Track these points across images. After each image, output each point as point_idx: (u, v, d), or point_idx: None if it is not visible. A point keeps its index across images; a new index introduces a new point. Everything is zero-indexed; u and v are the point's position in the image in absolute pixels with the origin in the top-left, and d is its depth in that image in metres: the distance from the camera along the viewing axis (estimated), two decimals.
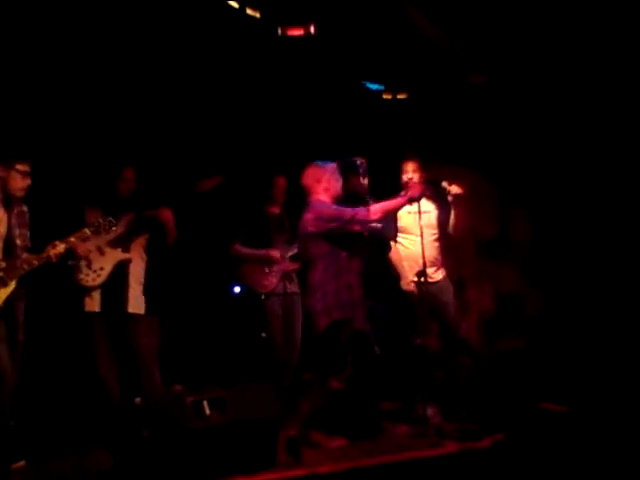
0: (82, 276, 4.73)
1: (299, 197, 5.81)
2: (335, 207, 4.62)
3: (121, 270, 4.81)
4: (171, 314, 5.60)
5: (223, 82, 5.85)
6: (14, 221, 4.38)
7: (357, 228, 4.60)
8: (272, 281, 5.54)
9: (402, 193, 4.91)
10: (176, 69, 5.64)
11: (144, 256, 4.97)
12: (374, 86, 6.14)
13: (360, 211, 4.56)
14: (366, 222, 4.60)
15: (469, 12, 5.54)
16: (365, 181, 4.88)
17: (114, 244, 4.81)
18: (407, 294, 5.08)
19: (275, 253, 5.56)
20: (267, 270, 5.55)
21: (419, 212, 4.93)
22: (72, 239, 4.40)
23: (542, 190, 5.93)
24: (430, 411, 4.62)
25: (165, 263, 5.09)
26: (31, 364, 4.53)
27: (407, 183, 5.08)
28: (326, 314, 4.59)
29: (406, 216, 5.19)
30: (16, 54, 5.01)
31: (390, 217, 4.99)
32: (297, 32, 5.47)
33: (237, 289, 6.08)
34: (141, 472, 3.84)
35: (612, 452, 3.85)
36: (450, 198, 5.14)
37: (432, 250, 5.13)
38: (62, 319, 5.01)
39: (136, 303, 4.86)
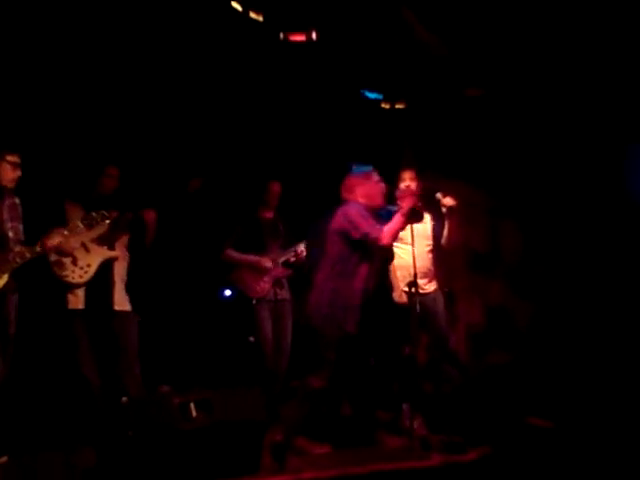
0: (67, 273, 4.68)
1: (293, 202, 5.85)
2: (360, 214, 4.53)
3: (106, 268, 4.79)
4: (158, 315, 5.60)
5: (221, 84, 5.85)
6: (6, 214, 4.35)
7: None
8: (264, 287, 5.52)
9: (397, 202, 4.89)
10: (174, 70, 5.63)
11: (126, 255, 4.96)
12: (372, 95, 6.15)
13: (373, 233, 4.46)
14: (375, 245, 4.55)
15: (466, 27, 5.57)
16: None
17: (99, 242, 4.79)
18: (399, 306, 5.05)
19: (267, 263, 5.54)
20: (259, 275, 5.53)
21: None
22: (65, 232, 4.37)
23: (535, 203, 5.96)
24: (416, 423, 4.61)
25: (146, 262, 5.08)
26: (15, 360, 4.49)
27: (402, 192, 5.06)
28: (316, 310, 4.54)
29: None
30: (7, 48, 4.97)
31: None
32: (299, 38, 5.48)
33: (228, 292, 6.07)
34: (125, 471, 3.81)
35: (597, 468, 3.86)
36: (444, 210, 5.13)
37: (426, 261, 5.11)
38: (45, 315, 4.96)
39: (122, 300, 4.85)
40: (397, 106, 6.20)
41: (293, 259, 5.58)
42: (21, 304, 4.39)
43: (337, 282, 4.51)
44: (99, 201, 4.77)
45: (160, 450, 3.84)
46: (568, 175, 5.88)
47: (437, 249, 5.20)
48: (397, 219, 4.53)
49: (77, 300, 4.73)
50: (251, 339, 5.69)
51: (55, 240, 4.34)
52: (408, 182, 5.11)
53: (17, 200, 4.44)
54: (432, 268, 5.19)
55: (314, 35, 5.50)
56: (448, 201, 5.05)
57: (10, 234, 4.32)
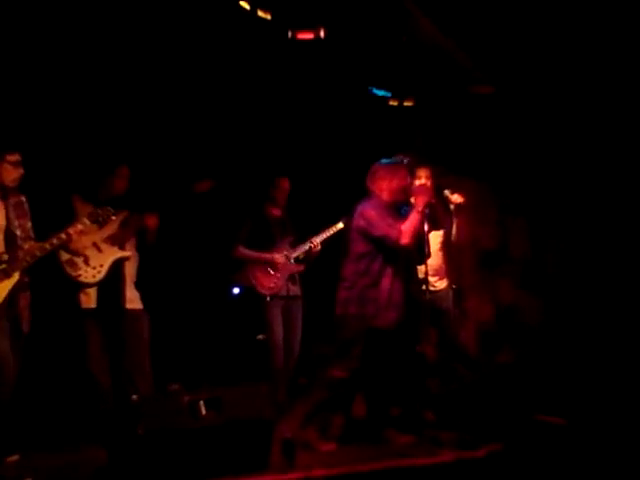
0: (81, 272, 4.68)
1: (302, 199, 5.85)
2: (378, 215, 4.55)
3: (117, 267, 4.80)
4: (169, 313, 5.61)
5: (229, 83, 5.86)
6: (12, 212, 4.35)
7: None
8: (277, 283, 5.50)
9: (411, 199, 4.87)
10: (181, 69, 5.64)
11: (136, 254, 4.97)
12: (380, 92, 6.15)
13: (392, 234, 4.49)
14: (395, 246, 4.55)
15: (475, 24, 5.55)
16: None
17: (110, 241, 4.81)
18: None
19: (280, 258, 5.53)
20: (272, 272, 5.52)
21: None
22: (70, 230, 4.38)
23: (544, 200, 5.94)
24: (427, 419, 4.61)
25: (155, 262, 5.10)
26: (27, 359, 4.50)
27: (417, 189, 5.01)
28: (343, 305, 4.60)
29: None
30: (13, 49, 4.98)
31: None
32: (307, 36, 5.47)
33: (236, 290, 6.07)
34: (135, 469, 3.82)
35: (608, 465, 3.85)
36: (452, 207, 5.12)
37: (437, 259, 5.12)
38: (57, 315, 4.98)
39: (133, 298, 4.88)
40: (406, 103, 6.19)
41: (304, 255, 5.57)
42: (33, 304, 4.39)
43: (366, 280, 4.53)
44: (109, 201, 4.78)
45: (170, 448, 3.84)
46: (577, 172, 5.87)
47: (446, 246, 5.20)
48: (413, 217, 4.53)
49: (89, 299, 4.74)
50: (260, 337, 5.69)
51: (77, 228, 4.37)
52: (424, 180, 5.08)
53: (24, 198, 4.43)
54: (443, 266, 5.20)
55: (322, 33, 5.50)
56: (457, 198, 5.04)
57: (18, 232, 4.31)
